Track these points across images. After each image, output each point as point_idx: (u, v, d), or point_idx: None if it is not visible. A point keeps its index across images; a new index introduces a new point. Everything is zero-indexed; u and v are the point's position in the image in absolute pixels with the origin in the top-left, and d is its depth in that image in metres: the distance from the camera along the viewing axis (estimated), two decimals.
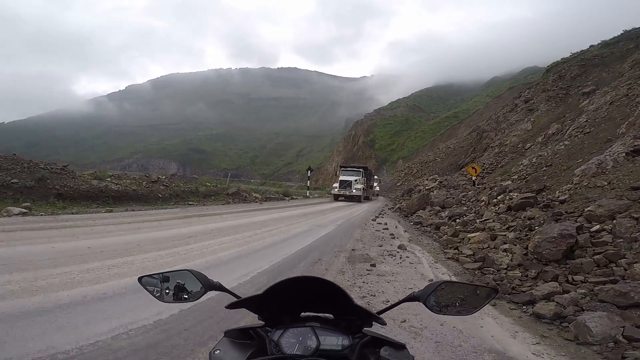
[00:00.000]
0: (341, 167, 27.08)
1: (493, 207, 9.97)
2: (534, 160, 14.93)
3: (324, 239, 7.78)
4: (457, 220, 10.37)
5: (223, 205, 14.21)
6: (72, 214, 8.75)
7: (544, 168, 12.49)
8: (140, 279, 1.03)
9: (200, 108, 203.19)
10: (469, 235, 7.73)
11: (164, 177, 16.84)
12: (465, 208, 11.51)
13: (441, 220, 10.80)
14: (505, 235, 6.90)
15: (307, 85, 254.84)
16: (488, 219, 9.00)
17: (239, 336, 0.96)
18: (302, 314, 1.00)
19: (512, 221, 7.86)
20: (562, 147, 13.65)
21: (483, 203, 11.43)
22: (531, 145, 19.05)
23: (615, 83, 16.81)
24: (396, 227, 10.62)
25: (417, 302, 0.97)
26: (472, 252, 6.50)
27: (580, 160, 10.79)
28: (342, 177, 23.61)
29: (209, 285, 1.01)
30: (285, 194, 22.71)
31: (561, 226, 5.30)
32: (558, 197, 8.04)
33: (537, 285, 4.65)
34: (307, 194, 26.34)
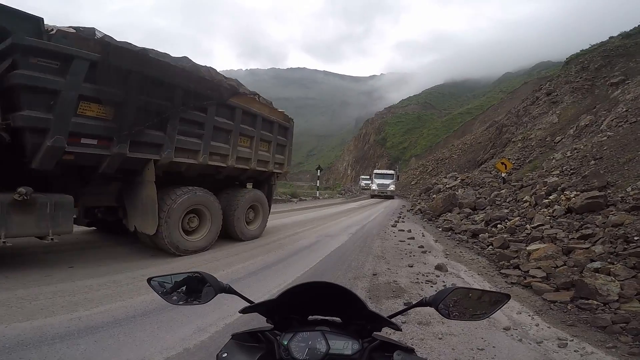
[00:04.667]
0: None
1: (545, 210, 8.04)
2: (568, 153, 13.25)
3: (335, 256, 5.96)
4: (499, 225, 8.49)
5: None
6: None
7: (593, 162, 10.62)
8: (149, 280, 1.02)
9: None
10: (528, 248, 5.83)
11: None
12: (506, 210, 9.53)
13: (477, 226, 8.89)
14: (587, 248, 4.99)
15: (316, 85, 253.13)
16: (543, 225, 7.11)
17: (247, 339, 0.94)
18: (310, 317, 1.01)
19: (582, 228, 5.95)
20: (606, 138, 12.04)
21: (527, 204, 9.47)
22: (562, 138, 17.84)
23: None
24: (423, 236, 8.74)
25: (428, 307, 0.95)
26: (544, 274, 4.63)
27: None
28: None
29: (220, 288, 1.01)
30: (293, 195, 21.02)
31: None
32: (634, 194, 6.09)
33: None
34: (317, 195, 24.57)
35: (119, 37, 4.38)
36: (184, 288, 1.01)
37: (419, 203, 17.71)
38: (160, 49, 5.18)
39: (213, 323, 2.97)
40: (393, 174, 30.47)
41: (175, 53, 5.16)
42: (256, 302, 0.98)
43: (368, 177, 41.89)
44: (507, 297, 0.97)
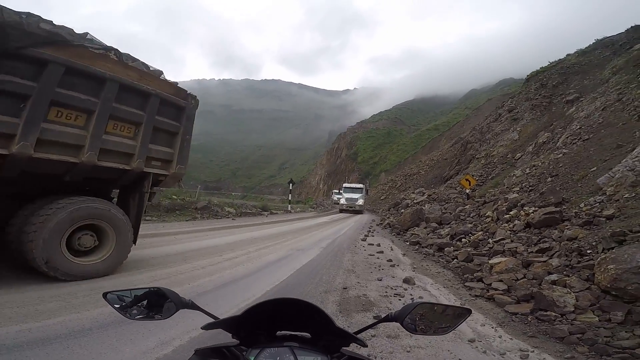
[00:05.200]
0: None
1: (506, 225, 8.45)
2: (527, 170, 14.07)
3: (305, 270, 5.88)
4: (463, 240, 8.81)
5: (187, 222, 12.08)
6: None
7: (549, 178, 11.38)
8: (105, 295, 0.99)
9: None
10: (490, 262, 6.07)
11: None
12: (469, 225, 9.93)
13: (443, 240, 9.16)
14: (544, 261, 5.27)
15: (290, 97, 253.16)
16: (504, 239, 7.45)
17: (211, 355, 0.91)
18: (278, 332, 0.98)
19: (540, 242, 6.30)
20: (561, 155, 12.86)
21: (490, 219, 9.94)
22: (521, 155, 18.60)
23: (602, 89, 16.59)
24: (392, 250, 8.87)
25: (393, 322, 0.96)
26: (506, 286, 4.83)
27: (594, 168, 9.71)
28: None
29: (182, 304, 0.98)
30: (264, 208, 20.64)
31: None
32: (592, 211, 6.58)
33: (636, 334, 3.11)
34: (289, 208, 24.38)
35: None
36: (144, 303, 0.99)
37: (388, 217, 18.02)
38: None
39: (177, 336, 2.82)
40: (362, 188, 30.03)
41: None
42: (221, 318, 0.96)
43: (339, 191, 41.94)
44: (469, 311, 1.02)
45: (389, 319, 0.98)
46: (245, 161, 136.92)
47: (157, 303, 0.99)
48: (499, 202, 10.91)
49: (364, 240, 10.24)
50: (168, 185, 6.00)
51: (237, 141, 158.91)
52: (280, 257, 6.89)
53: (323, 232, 12.49)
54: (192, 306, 1.00)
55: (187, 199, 16.68)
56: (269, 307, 0.96)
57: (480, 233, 8.71)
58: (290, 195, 28.47)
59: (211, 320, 0.97)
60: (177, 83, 5.40)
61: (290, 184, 28.26)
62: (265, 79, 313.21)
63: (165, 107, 5.01)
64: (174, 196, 16.28)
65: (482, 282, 5.31)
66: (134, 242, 4.94)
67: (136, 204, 5.12)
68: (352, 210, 27.19)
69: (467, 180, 15.64)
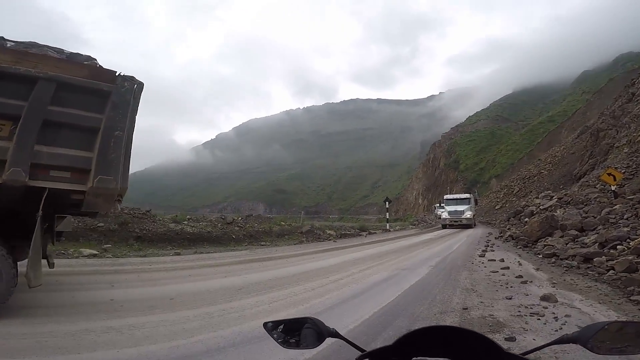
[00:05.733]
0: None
1: None
2: None
3: (415, 290, 5.41)
4: (619, 247, 6.99)
5: (295, 245, 12.81)
6: (140, 256, 8.55)
7: None
8: (265, 324, 1.06)
9: (276, 150, 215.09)
10: None
11: (239, 218, 16.53)
12: (625, 229, 7.85)
13: (589, 250, 7.43)
14: None
15: (372, 114, 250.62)
16: None
17: None
18: (414, 359, 0.94)
19: None
20: None
21: None
22: None
23: None
24: (520, 265, 7.58)
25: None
26: None
27: None
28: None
29: (328, 332, 1.00)
30: (362, 228, 20.51)
31: None
32: None
33: None
34: (387, 227, 23.61)
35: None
36: (293, 331, 1.04)
37: (509, 229, 15.78)
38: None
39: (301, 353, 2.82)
40: (469, 199, 26.20)
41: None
42: (367, 349, 0.95)
43: (441, 204, 38.69)
44: None
45: (564, 340, 0.87)
46: (338, 184, 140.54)
47: (305, 332, 1.03)
48: None
49: (482, 256, 9.07)
50: (96, 206, 4.00)
51: (328, 165, 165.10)
52: (385, 277, 6.56)
53: (430, 249, 11.57)
54: (337, 335, 1.01)
55: (293, 224, 17.80)
56: (423, 336, 0.93)
57: None
58: (387, 213, 27.65)
59: (357, 352, 0.95)
60: (118, 73, 3.93)
61: (387, 202, 27.43)
62: (344, 100, 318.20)
63: (74, 94, 3.69)
64: (282, 222, 17.65)
65: None
66: (31, 282, 3.30)
67: (35, 233, 3.38)
68: (458, 225, 23.87)
69: (610, 174, 12.65)
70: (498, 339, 3.16)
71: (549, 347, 0.91)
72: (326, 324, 1.02)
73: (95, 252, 8.22)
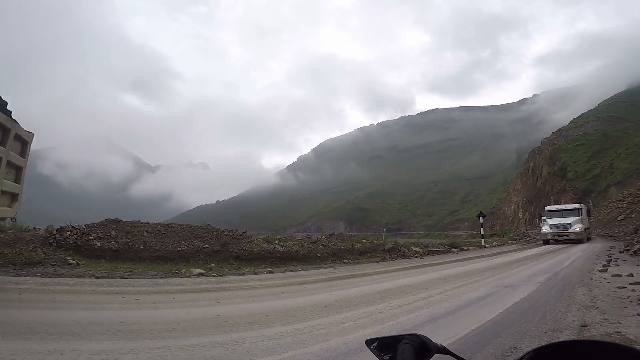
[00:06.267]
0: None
1: None
2: None
3: (519, 307, 4.90)
4: None
5: (377, 263, 12.63)
6: (240, 274, 9.33)
7: None
8: (367, 342, 1.05)
9: (353, 168, 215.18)
10: None
11: (322, 237, 17.09)
12: None
13: None
14: None
15: (455, 123, 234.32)
16: None
17: None
18: None
19: None
20: None
21: None
22: None
23: None
24: None
25: None
26: None
27: None
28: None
29: (436, 348, 0.97)
30: (452, 245, 19.09)
31: None
32: None
33: None
34: (482, 243, 21.52)
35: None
36: (400, 349, 0.99)
37: (638, 242, 13.03)
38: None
39: None
40: (578, 210, 23.05)
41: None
42: None
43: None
44: None
45: None
46: (423, 199, 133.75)
47: (416, 348, 0.98)
48: None
49: (603, 271, 7.76)
50: None
51: (409, 180, 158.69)
52: (483, 295, 6.06)
53: (536, 265, 10.24)
54: (445, 351, 0.97)
55: (375, 241, 17.60)
56: (552, 351, 0.83)
57: None
58: (482, 228, 25.35)
59: None
60: None
61: (481, 217, 25.23)
62: (421, 112, 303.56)
63: None
64: (363, 240, 17.62)
65: None
66: None
67: None
68: (563, 240, 21.00)
69: None
70: None
71: None
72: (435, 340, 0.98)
73: (202, 271, 9.16)
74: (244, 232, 13.88)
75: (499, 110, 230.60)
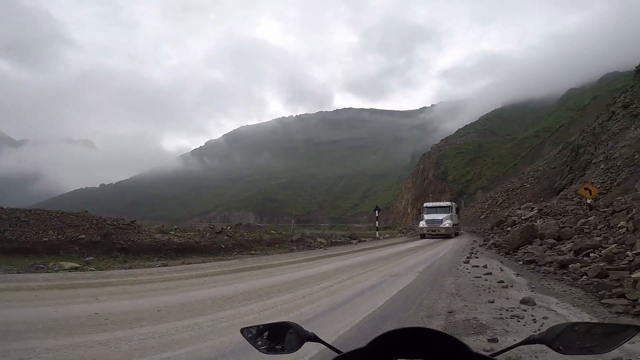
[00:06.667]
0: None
1: None
2: None
3: (403, 295, 5.69)
4: (592, 254, 7.45)
5: (285, 254, 12.92)
6: (126, 268, 8.42)
7: None
8: (242, 330, 1.08)
9: (268, 158, 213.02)
10: (633, 276, 5.01)
11: (228, 227, 16.51)
12: (598, 238, 8.36)
13: (565, 257, 7.87)
14: None
15: (364, 124, 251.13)
16: None
17: None
18: None
19: None
20: None
21: (624, 230, 8.21)
22: None
23: None
24: (502, 270, 7.96)
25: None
26: None
27: None
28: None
29: (306, 337, 1.01)
30: (352, 236, 20.76)
31: None
32: None
33: None
34: (377, 235, 23.94)
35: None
36: (272, 337, 1.05)
37: (492, 237, 16.30)
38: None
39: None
40: (449, 207, 24.52)
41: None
42: (344, 351, 0.97)
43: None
44: (636, 329, 0.84)
45: (531, 340, 0.90)
46: (330, 193, 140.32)
47: (283, 337, 1.04)
48: (634, 209, 8.99)
49: (466, 262, 9.44)
50: None
51: (320, 174, 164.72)
52: (374, 283, 6.81)
53: (417, 256, 11.90)
54: (315, 339, 1.01)
55: (284, 233, 17.89)
56: (395, 337, 0.93)
57: (613, 246, 7.33)
58: (377, 222, 27.92)
59: (335, 354, 0.96)
60: None
61: (377, 211, 27.72)
62: (337, 109, 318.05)
63: None
64: (272, 231, 17.71)
65: (625, 297, 4.45)
66: None
67: None
68: (435, 234, 22.39)
69: (586, 189, 13.35)
70: (481, 340, 3.41)
71: (529, 347, 0.97)
72: (305, 329, 1.04)
73: (76, 264, 8.06)
74: (132, 222, 12.48)
75: (403, 115, 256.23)
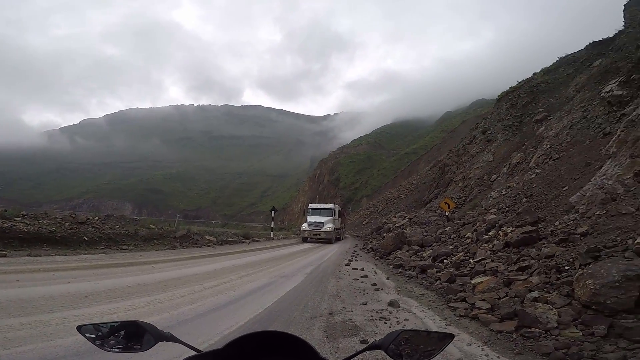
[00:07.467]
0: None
1: (486, 245, 8.65)
2: (503, 192, 14.49)
3: (290, 296, 5.75)
4: (445, 261, 8.93)
5: (165, 251, 11.65)
6: None
7: (524, 199, 11.78)
8: (79, 328, 0.99)
9: (157, 145, 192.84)
10: (472, 281, 6.15)
11: (95, 217, 13.98)
12: (450, 247, 10.10)
13: (425, 262, 9.24)
14: (525, 279, 5.40)
15: (271, 123, 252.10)
16: (485, 259, 7.61)
17: None
18: None
19: (519, 260, 6.46)
20: (534, 176, 13.22)
21: (469, 240, 10.16)
22: (497, 177, 18.79)
23: (568, 107, 16.75)
24: (376, 274, 8.84)
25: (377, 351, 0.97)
26: (489, 305, 4.87)
27: (566, 187, 10.13)
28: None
29: (160, 336, 0.97)
30: (245, 235, 20.21)
31: (619, 266, 3.91)
32: (567, 228, 6.85)
33: (619, 347, 3.20)
34: (272, 235, 23.94)
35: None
36: (121, 334, 0.99)
37: (371, 242, 18.09)
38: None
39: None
40: (333, 210, 23.55)
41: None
42: (203, 350, 0.97)
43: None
44: (451, 336, 1.07)
45: (372, 346, 0.99)
46: (226, 189, 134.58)
47: (134, 335, 0.98)
48: (478, 223, 11.21)
49: (348, 265, 10.16)
50: None
51: (217, 168, 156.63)
52: (263, 284, 6.71)
53: (307, 258, 12.31)
54: (171, 338, 0.99)
55: (166, 228, 16.12)
56: (251, 340, 0.95)
57: (461, 254, 8.86)
58: (272, 222, 27.95)
59: (192, 353, 0.96)
60: None
61: (273, 212, 27.71)
62: (246, 105, 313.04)
63: None
64: (151, 225, 15.74)
65: (466, 301, 5.35)
66: None
67: None
68: (316, 239, 21.01)
69: (446, 203, 16.02)
70: (355, 341, 3.62)
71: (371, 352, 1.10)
72: (159, 328, 1.00)
73: None
74: None
75: (308, 120, 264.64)
